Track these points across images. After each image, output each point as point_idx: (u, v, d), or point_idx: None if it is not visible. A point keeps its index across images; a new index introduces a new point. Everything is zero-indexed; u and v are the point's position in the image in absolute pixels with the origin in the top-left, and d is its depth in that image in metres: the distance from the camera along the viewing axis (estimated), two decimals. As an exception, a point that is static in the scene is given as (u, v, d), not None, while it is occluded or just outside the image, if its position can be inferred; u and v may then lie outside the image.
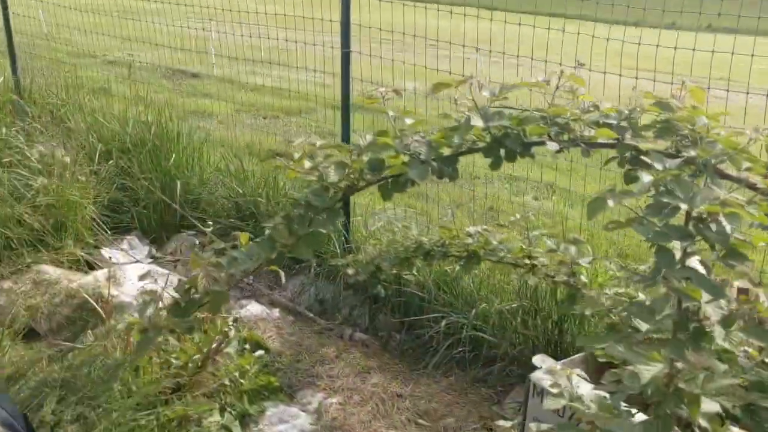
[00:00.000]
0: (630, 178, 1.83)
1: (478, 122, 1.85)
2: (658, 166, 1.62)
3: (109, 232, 4.56)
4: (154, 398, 2.90)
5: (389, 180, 1.99)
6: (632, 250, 4.69)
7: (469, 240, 3.38)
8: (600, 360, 2.63)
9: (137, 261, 4.51)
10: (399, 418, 3.35)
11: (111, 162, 4.87)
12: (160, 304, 2.36)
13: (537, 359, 3.30)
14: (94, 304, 3.45)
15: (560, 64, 3.54)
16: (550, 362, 3.29)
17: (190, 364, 3.19)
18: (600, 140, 1.87)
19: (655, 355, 1.34)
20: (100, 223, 4.54)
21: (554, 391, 3.03)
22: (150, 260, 4.62)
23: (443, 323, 3.73)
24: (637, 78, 3.22)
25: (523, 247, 3.19)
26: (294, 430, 3.21)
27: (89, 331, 3.47)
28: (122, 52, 11.13)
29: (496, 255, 3.26)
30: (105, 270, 4.03)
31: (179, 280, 2.72)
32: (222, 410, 3.15)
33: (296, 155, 2.20)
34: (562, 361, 3.33)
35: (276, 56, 5.75)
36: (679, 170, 1.64)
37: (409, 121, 2.04)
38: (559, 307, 3.43)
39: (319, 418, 3.32)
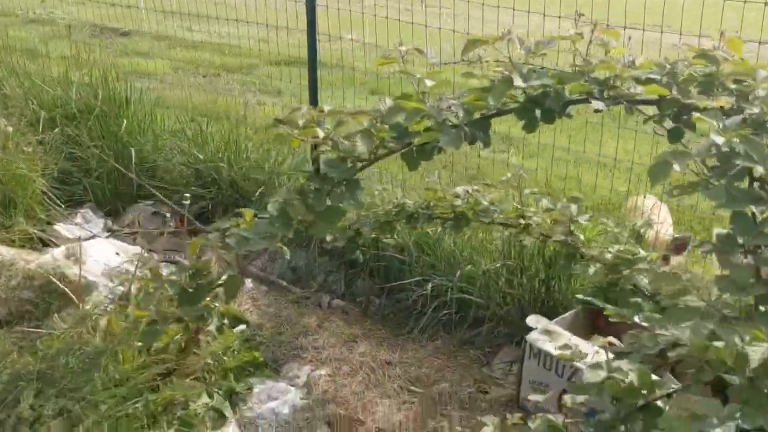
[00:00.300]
0: (675, 137, 1.73)
1: (518, 82, 1.71)
2: (718, 125, 1.53)
3: (62, 206, 4.26)
4: (141, 386, 2.72)
5: (414, 148, 1.84)
6: (594, 202, 4.61)
7: (458, 201, 3.28)
8: (611, 320, 2.58)
9: (94, 235, 4.24)
10: (392, 386, 3.27)
11: (56, 130, 4.53)
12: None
13: (531, 320, 3.24)
14: (62, 285, 3.21)
15: (558, 16, 3.45)
16: (545, 322, 3.23)
17: (171, 345, 3.00)
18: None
19: (758, 333, 1.27)
20: (52, 196, 4.24)
21: (555, 353, 2.99)
22: (107, 234, 4.35)
23: (429, 286, 3.62)
24: (625, 28, 3.13)
25: (518, 206, 3.10)
26: (285, 407, 3.07)
27: (56, 315, 3.23)
28: (43, 10, 10.45)
29: (488, 216, 3.16)
30: (63, 248, 3.75)
31: (178, 268, 2.49)
32: (209, 391, 2.99)
33: (300, 122, 2.03)
34: (555, 320, 3.28)
35: (205, 9, 5.46)
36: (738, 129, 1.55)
37: (429, 82, 1.89)
38: (551, 267, 3.36)
39: (310, 392, 3.19)
